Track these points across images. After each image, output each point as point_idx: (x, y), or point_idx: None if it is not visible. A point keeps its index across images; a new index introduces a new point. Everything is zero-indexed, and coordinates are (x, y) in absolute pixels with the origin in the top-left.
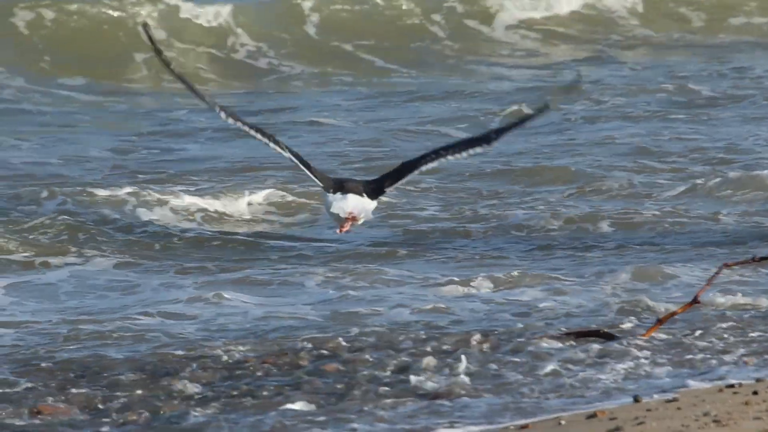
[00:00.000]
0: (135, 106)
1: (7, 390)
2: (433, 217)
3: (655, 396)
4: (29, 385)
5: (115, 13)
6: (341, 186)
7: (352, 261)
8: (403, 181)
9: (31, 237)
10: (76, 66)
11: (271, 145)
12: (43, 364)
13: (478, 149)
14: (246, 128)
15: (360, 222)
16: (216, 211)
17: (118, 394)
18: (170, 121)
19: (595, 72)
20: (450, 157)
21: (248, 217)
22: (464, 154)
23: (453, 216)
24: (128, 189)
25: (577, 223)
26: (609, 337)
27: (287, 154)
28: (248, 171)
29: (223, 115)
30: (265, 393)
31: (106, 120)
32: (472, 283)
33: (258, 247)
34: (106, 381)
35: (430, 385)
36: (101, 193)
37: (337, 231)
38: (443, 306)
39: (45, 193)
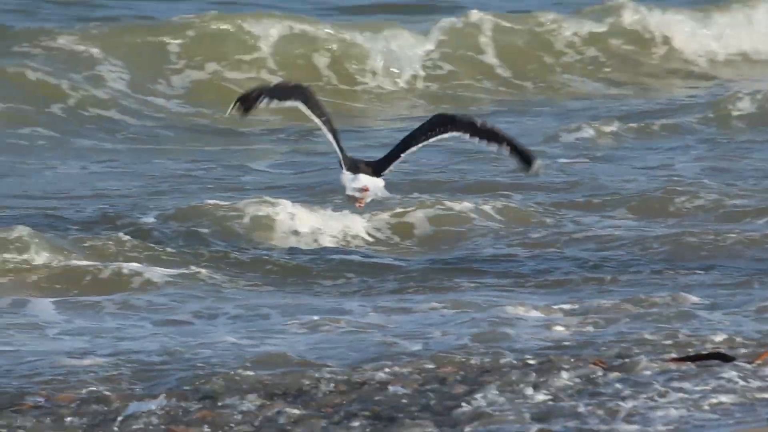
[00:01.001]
0: (219, 122)
1: (133, 411)
2: (506, 240)
3: None
4: (152, 408)
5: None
6: (356, 167)
7: (431, 282)
8: (399, 161)
9: (125, 254)
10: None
11: (321, 124)
12: (158, 387)
13: (465, 135)
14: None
15: (370, 198)
16: (318, 229)
17: (241, 416)
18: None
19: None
20: (439, 137)
21: (339, 237)
22: (453, 134)
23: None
24: (247, 205)
25: (652, 246)
26: (725, 358)
27: (329, 135)
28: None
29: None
30: (389, 415)
31: (187, 135)
32: (559, 309)
33: (350, 267)
34: (225, 402)
35: (535, 410)
36: (220, 209)
37: (357, 205)
38: (539, 332)
39: (143, 211)
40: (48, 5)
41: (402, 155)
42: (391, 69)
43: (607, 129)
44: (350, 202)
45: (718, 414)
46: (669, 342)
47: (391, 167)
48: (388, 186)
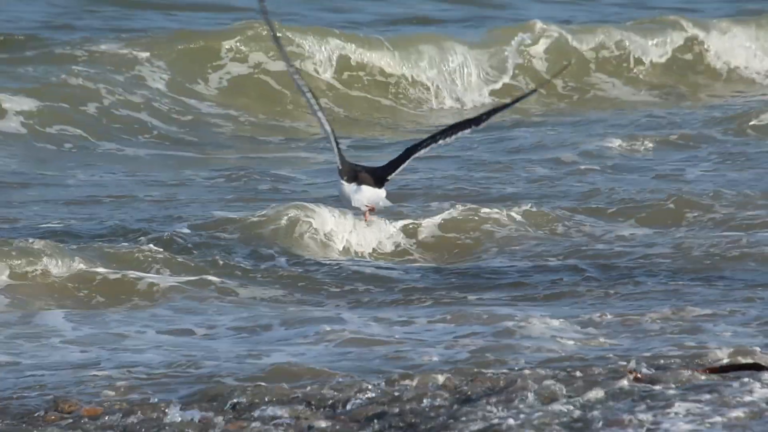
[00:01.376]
0: (245, 130)
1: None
2: (542, 252)
3: None
4: (172, 422)
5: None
6: (356, 177)
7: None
8: (402, 167)
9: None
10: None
11: (319, 114)
12: (175, 399)
13: (467, 131)
14: (308, 96)
15: (375, 209)
16: (349, 240)
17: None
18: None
19: None
20: (445, 140)
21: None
22: (458, 135)
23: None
24: (286, 213)
25: (660, 258)
26: (760, 368)
27: (327, 128)
28: None
29: (297, 77)
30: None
31: (212, 141)
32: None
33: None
34: (252, 414)
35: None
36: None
37: (363, 218)
38: (546, 345)
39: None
40: (88, 15)
41: (407, 161)
42: (463, 102)
43: (631, 138)
44: (356, 212)
45: (733, 429)
46: (678, 353)
47: (395, 174)
48: (406, 198)
